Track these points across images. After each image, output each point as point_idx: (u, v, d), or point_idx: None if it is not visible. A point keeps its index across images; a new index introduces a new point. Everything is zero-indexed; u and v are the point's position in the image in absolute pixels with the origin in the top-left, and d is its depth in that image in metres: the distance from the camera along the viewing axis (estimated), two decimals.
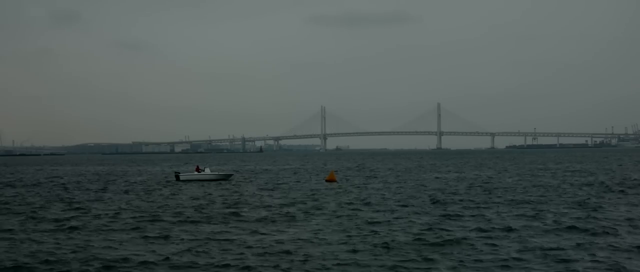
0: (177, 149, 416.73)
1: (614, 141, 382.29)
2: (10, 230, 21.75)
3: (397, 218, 23.19)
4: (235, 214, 25.32)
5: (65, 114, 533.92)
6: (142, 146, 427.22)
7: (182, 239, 18.94)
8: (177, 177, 50.98)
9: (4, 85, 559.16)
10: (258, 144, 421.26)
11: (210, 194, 36.37)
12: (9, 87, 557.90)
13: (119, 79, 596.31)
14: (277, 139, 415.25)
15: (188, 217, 24.37)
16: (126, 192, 39.83)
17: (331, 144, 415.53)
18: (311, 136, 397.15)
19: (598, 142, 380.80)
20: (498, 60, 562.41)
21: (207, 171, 51.54)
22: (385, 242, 17.75)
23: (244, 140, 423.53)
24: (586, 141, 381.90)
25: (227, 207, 27.95)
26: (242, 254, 16.53)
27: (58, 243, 18.79)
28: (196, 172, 51.02)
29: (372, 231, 19.92)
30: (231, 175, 53.99)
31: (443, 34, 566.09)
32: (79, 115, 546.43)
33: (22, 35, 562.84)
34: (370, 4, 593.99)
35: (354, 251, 16.63)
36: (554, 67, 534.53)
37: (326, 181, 49.27)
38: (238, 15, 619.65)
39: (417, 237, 18.71)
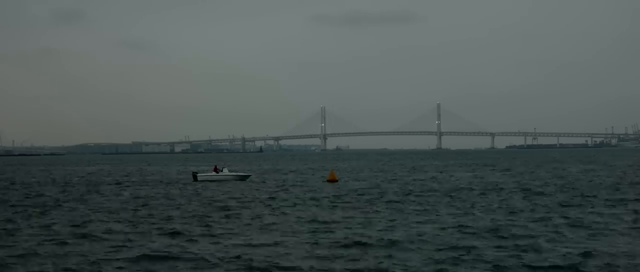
0: (177, 149, 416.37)
1: (614, 141, 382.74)
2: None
3: None
4: None
5: (65, 114, 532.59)
6: (142, 146, 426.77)
7: None
8: (195, 178, 51.15)
9: (4, 85, 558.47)
10: (258, 144, 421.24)
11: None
12: (10, 87, 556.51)
13: (119, 78, 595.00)
14: (277, 139, 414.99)
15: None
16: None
17: (331, 144, 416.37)
18: (311, 136, 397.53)
19: (598, 142, 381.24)
20: (498, 60, 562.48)
21: (225, 171, 51.67)
22: None
23: (244, 140, 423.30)
24: (586, 141, 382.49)
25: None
26: None
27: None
28: (214, 173, 51.19)
29: None
30: (249, 176, 54.13)
31: (444, 34, 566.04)
32: (79, 116, 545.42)
33: (24, 35, 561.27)
34: (373, 3, 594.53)
35: None
36: (554, 67, 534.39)
37: (327, 181, 49.30)
38: (239, 15, 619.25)
39: None
